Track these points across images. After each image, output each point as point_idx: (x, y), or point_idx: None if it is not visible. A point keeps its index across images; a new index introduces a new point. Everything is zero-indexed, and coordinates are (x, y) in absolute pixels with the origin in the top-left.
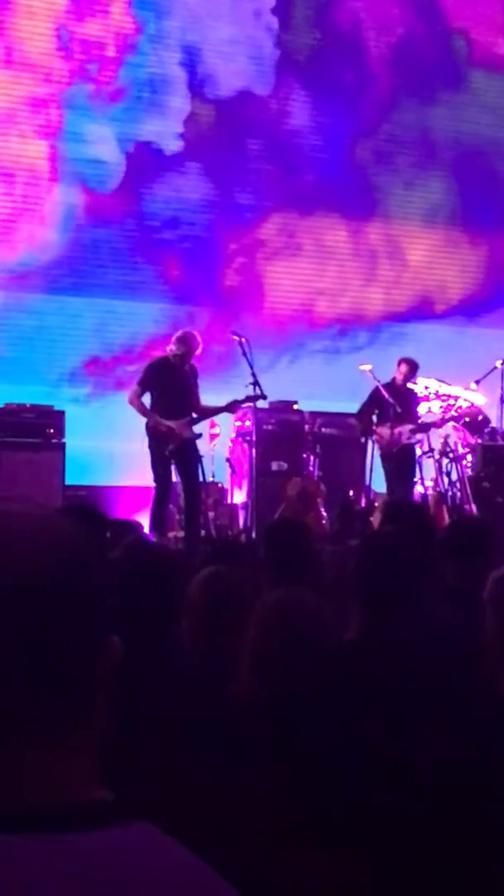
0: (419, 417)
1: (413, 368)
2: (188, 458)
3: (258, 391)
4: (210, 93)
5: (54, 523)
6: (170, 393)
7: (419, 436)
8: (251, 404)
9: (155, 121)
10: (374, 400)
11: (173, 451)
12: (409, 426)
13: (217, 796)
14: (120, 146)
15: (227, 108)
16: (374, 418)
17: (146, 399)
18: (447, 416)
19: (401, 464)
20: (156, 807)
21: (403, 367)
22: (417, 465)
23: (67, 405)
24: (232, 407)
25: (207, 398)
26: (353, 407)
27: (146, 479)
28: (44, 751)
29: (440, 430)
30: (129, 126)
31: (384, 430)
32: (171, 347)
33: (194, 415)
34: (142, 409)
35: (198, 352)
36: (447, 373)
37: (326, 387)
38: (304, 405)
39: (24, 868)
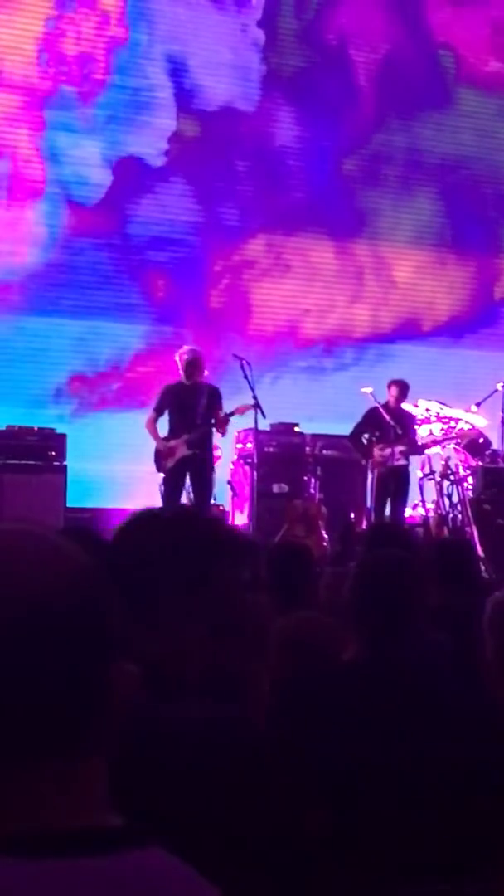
0: (415, 439)
1: (403, 390)
2: (195, 476)
3: (260, 413)
4: (196, 109)
5: (60, 545)
6: (176, 413)
7: (411, 457)
8: (253, 427)
9: (140, 138)
10: (370, 421)
11: (174, 469)
12: (400, 447)
13: (228, 816)
14: (105, 164)
15: (214, 124)
16: (369, 439)
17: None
18: (438, 438)
19: (392, 486)
20: (164, 828)
21: (394, 390)
22: (417, 488)
23: (51, 424)
24: (224, 419)
25: None
26: (336, 426)
27: (147, 500)
28: (56, 774)
29: (442, 452)
30: (113, 145)
31: (376, 451)
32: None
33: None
34: (151, 433)
35: (186, 360)
36: (433, 392)
37: (311, 406)
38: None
39: (39, 893)
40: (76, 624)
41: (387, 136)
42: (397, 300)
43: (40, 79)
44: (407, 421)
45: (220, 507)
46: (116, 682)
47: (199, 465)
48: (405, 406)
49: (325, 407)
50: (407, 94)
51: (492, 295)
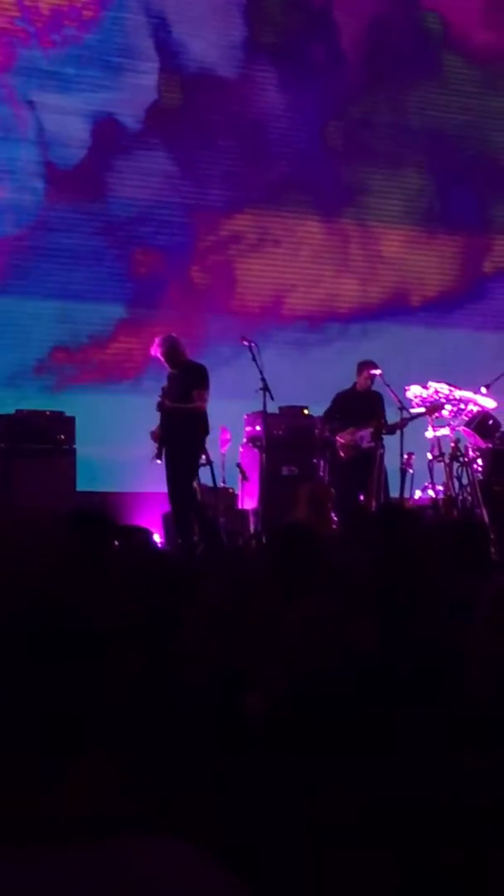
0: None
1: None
2: (173, 461)
3: (268, 396)
4: (179, 76)
5: (51, 535)
6: None
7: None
8: (262, 410)
9: (120, 107)
10: (338, 405)
11: (156, 455)
12: (370, 430)
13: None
14: (84, 132)
15: (196, 92)
16: (335, 426)
17: None
18: (407, 417)
19: (362, 469)
20: (175, 821)
21: (361, 370)
22: (427, 470)
23: (31, 403)
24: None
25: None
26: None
27: (154, 485)
28: (64, 765)
29: (451, 434)
30: (93, 112)
31: (345, 434)
32: None
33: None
34: None
35: (155, 353)
36: (422, 368)
37: (296, 382)
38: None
39: (51, 878)
40: (63, 611)
41: (373, 106)
42: (385, 275)
43: (15, 36)
44: (376, 403)
45: (231, 491)
46: (119, 670)
47: (173, 448)
48: (426, 387)
49: (310, 383)
50: (394, 61)
51: (481, 269)
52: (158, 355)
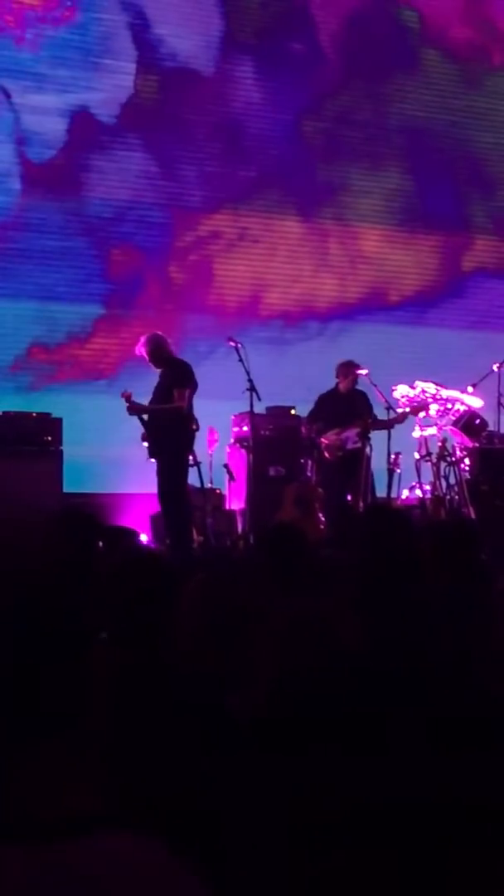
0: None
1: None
2: (160, 462)
3: (255, 396)
4: (156, 73)
5: (39, 533)
6: None
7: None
8: (249, 410)
9: (98, 107)
10: (322, 407)
11: (150, 455)
12: (356, 430)
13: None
14: (60, 131)
15: (174, 92)
16: (321, 427)
17: None
18: (395, 418)
19: (349, 470)
20: (155, 821)
21: (345, 370)
22: (415, 470)
23: (8, 402)
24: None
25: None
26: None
27: (140, 486)
28: (34, 760)
29: (438, 433)
30: (71, 110)
31: (330, 435)
32: None
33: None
34: None
35: (141, 353)
36: (398, 368)
37: (274, 380)
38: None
39: (5, 877)
40: (46, 607)
41: (352, 104)
42: (364, 273)
43: None
44: (361, 402)
45: (218, 491)
46: (96, 666)
47: (155, 449)
48: (411, 387)
49: (288, 380)
50: (372, 59)
51: (460, 267)
52: (143, 354)
